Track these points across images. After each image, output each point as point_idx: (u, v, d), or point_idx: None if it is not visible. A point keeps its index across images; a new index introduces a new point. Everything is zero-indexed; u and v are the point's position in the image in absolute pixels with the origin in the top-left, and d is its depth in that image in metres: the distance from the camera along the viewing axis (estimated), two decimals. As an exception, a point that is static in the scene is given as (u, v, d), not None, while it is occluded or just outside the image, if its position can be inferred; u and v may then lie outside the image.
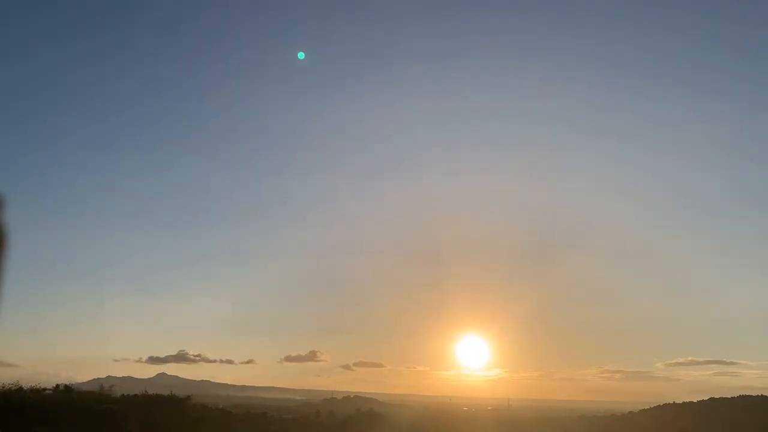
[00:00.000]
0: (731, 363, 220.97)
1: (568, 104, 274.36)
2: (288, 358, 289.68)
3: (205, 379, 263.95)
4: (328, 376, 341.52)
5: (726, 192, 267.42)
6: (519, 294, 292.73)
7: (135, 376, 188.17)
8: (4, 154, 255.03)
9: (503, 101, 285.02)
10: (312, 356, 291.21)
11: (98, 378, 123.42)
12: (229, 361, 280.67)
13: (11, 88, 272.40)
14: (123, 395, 52.15)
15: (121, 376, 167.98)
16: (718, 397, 77.16)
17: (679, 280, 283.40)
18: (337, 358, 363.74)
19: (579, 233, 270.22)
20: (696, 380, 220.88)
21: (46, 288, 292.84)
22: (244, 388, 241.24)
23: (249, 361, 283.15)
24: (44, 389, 47.18)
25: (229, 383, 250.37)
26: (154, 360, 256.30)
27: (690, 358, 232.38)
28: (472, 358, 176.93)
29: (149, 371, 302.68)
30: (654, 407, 78.55)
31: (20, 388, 43.75)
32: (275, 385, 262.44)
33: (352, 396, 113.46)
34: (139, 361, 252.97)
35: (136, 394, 52.78)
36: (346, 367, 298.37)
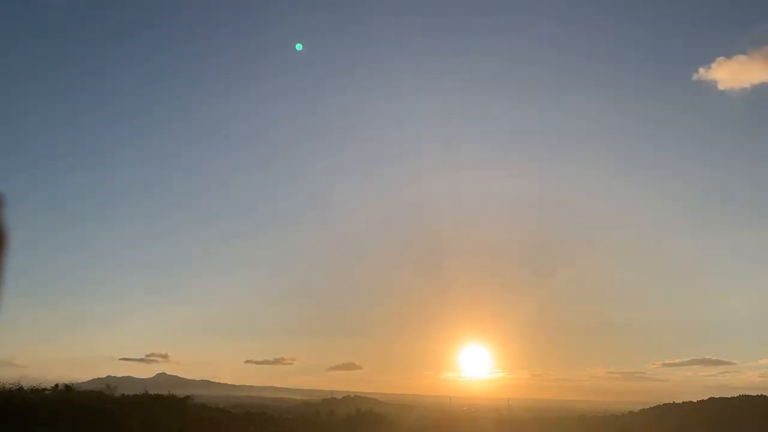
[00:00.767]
0: (731, 363, 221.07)
1: (574, 103, 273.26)
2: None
3: (205, 379, 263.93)
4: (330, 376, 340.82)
5: (726, 192, 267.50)
6: (519, 294, 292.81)
7: (135, 376, 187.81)
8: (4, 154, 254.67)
9: (504, 100, 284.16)
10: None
11: (98, 378, 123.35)
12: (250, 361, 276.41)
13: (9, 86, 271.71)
14: (123, 395, 52.23)
15: (121, 375, 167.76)
16: (718, 397, 77.31)
17: (679, 280, 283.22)
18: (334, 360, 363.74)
19: (579, 233, 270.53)
20: (696, 380, 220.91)
21: (46, 287, 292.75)
22: (244, 388, 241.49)
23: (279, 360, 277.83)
24: (44, 389, 47.30)
25: (229, 383, 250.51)
26: (153, 358, 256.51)
27: (690, 358, 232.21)
28: (472, 358, 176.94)
29: (149, 371, 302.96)
30: (654, 407, 78.65)
31: (21, 388, 43.89)
32: (275, 385, 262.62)
33: (352, 396, 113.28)
34: (141, 360, 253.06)
35: (136, 394, 52.87)
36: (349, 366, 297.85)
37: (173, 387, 61.70)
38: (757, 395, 76.03)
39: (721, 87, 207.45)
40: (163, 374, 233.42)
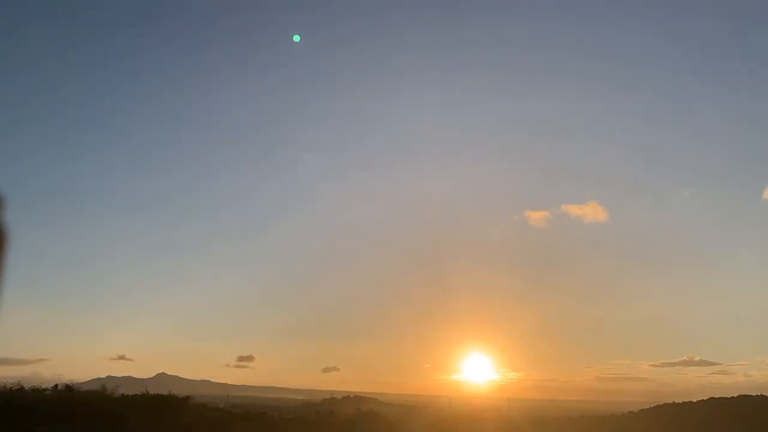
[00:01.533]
0: (730, 363, 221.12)
1: (577, 101, 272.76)
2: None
3: (205, 379, 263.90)
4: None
5: (725, 191, 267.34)
6: (519, 295, 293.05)
7: (135, 376, 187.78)
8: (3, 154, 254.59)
9: (507, 99, 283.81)
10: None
11: (98, 377, 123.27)
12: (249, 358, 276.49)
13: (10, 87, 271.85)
14: (123, 395, 52.15)
15: (121, 375, 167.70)
16: (717, 397, 77.11)
17: (679, 279, 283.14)
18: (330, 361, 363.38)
19: (580, 234, 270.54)
20: (695, 380, 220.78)
21: (46, 287, 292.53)
22: (243, 388, 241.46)
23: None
24: (44, 389, 47.25)
25: (228, 383, 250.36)
26: (155, 357, 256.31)
27: (689, 358, 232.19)
28: (472, 359, 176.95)
29: (149, 371, 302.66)
30: (654, 407, 78.49)
31: (21, 388, 43.87)
32: (275, 385, 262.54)
33: (352, 396, 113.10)
34: (141, 360, 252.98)
35: (136, 394, 52.81)
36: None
37: (173, 387, 61.61)
38: (757, 395, 75.89)
39: None
40: (163, 374, 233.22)
